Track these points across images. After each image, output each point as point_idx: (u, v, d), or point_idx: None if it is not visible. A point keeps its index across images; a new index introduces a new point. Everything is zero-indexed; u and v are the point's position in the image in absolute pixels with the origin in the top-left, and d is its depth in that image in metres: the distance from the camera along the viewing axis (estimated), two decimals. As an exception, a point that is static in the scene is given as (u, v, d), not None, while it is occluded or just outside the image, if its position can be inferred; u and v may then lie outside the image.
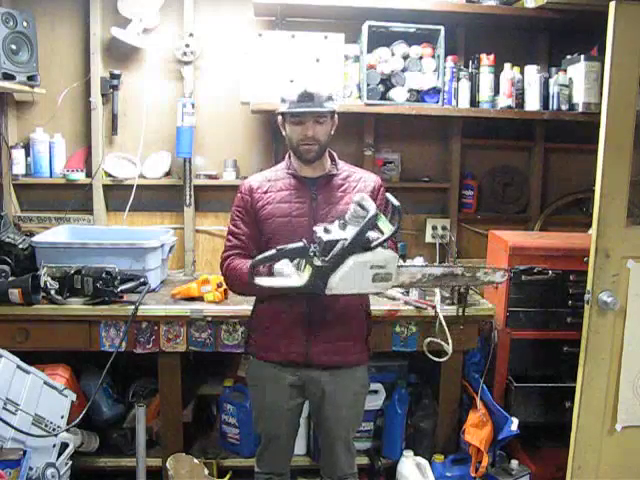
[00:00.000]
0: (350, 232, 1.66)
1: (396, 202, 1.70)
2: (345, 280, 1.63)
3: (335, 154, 2.03)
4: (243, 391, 2.63)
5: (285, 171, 1.99)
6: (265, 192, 1.96)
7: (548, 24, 2.86)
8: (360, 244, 1.63)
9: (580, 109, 2.73)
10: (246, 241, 1.98)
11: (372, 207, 1.66)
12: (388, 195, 1.77)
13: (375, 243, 1.65)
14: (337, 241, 1.63)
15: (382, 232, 1.68)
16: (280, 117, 1.96)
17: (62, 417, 2.27)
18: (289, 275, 1.75)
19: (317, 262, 1.64)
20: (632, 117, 1.95)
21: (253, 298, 2.08)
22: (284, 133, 1.97)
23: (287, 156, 2.03)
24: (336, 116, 1.97)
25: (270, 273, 1.81)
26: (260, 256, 1.75)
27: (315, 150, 1.90)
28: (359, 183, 1.99)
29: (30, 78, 2.68)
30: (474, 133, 3.05)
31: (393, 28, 2.72)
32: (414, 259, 2.59)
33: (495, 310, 2.54)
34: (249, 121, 3.00)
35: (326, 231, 1.67)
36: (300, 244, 1.68)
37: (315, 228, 1.72)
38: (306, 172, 1.97)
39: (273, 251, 1.71)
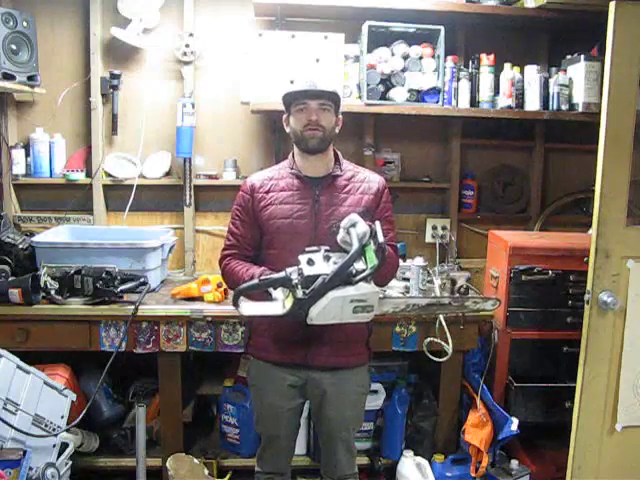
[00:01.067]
0: (332, 266, 1.67)
1: (381, 238, 1.69)
2: (325, 312, 1.66)
3: (340, 153, 2.03)
4: (243, 391, 2.63)
5: (288, 170, 1.99)
6: (267, 192, 1.96)
7: (548, 24, 2.86)
8: (341, 279, 1.65)
9: (580, 109, 2.73)
10: (243, 243, 2.00)
11: (356, 242, 1.66)
12: (377, 228, 1.72)
13: (357, 279, 1.65)
14: (318, 276, 1.65)
15: (367, 261, 1.68)
16: (285, 115, 1.97)
17: (62, 417, 2.27)
18: (276, 298, 1.78)
19: (299, 294, 1.67)
20: (632, 117, 1.95)
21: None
22: (288, 130, 1.97)
23: (290, 155, 2.03)
24: (341, 115, 1.98)
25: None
26: (243, 285, 1.78)
27: (319, 136, 1.89)
28: (363, 184, 1.98)
29: (30, 78, 2.69)
30: (474, 133, 3.05)
31: (393, 28, 2.72)
32: (414, 259, 2.58)
33: (495, 310, 2.54)
34: (249, 121, 3.00)
35: (309, 262, 1.69)
36: (282, 274, 1.71)
37: (300, 257, 1.73)
38: (309, 172, 1.96)
39: (256, 281, 1.76)
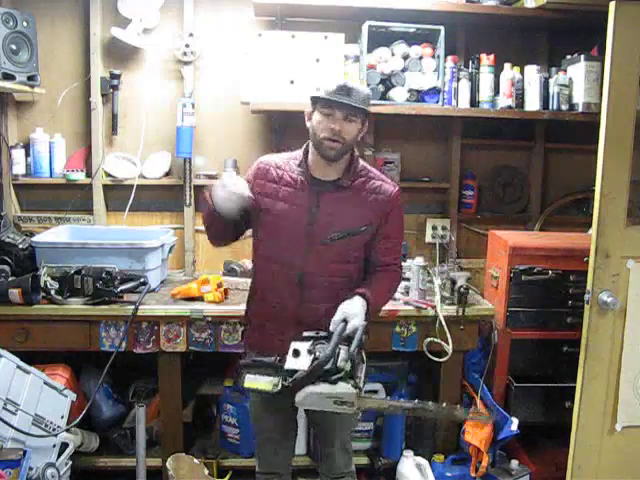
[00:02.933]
0: (310, 364, 1.70)
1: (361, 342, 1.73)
2: (305, 402, 1.71)
3: (357, 156, 1.93)
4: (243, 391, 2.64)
5: (297, 167, 1.90)
6: (270, 181, 1.90)
7: (548, 24, 2.86)
8: (317, 376, 1.68)
9: (580, 109, 2.73)
10: None
11: (330, 350, 1.67)
12: (358, 333, 1.73)
13: (333, 378, 1.68)
14: (297, 370, 1.70)
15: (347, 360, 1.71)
16: (310, 108, 1.86)
17: (62, 417, 2.27)
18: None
19: (283, 381, 1.72)
20: (632, 117, 1.95)
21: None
22: (308, 125, 1.86)
23: (304, 148, 1.93)
24: (367, 123, 1.87)
25: None
26: (241, 362, 1.83)
27: (337, 149, 1.80)
28: (372, 195, 1.89)
29: (30, 78, 2.69)
30: (474, 133, 3.05)
31: (393, 28, 2.72)
32: (414, 259, 2.58)
33: (495, 310, 2.54)
34: (249, 121, 3.00)
35: (295, 353, 1.72)
36: (272, 359, 1.77)
37: (292, 343, 1.73)
38: (318, 173, 1.88)
39: (250, 360, 1.81)
